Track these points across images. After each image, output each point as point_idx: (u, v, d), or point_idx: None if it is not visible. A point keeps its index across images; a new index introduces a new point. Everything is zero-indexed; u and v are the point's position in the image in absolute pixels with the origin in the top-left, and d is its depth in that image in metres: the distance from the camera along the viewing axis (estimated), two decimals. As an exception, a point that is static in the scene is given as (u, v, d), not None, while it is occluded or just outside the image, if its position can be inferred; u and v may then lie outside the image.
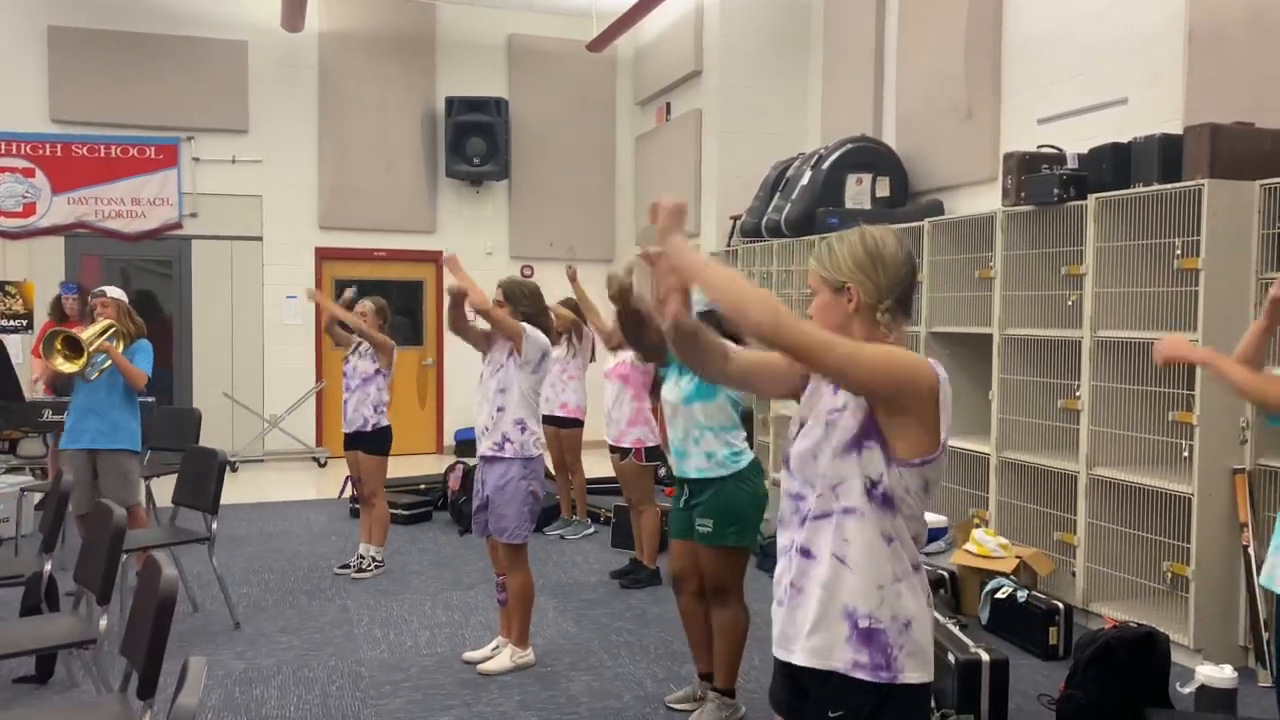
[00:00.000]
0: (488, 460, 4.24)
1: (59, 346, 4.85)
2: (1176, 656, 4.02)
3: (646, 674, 4.32)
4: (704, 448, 3.70)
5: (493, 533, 4.23)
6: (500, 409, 4.22)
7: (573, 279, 6.70)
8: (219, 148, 9.92)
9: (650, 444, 5.65)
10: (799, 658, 1.92)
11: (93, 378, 5.00)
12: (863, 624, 1.86)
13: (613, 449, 5.78)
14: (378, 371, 5.77)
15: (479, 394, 4.33)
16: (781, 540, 2.01)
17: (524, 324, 4.23)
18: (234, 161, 9.97)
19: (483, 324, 4.37)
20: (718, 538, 3.64)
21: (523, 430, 4.22)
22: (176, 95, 9.71)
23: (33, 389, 7.54)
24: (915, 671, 1.87)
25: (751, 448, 3.81)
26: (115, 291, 5.22)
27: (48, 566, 4.04)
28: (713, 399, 3.70)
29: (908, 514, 1.88)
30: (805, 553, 1.92)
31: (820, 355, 1.77)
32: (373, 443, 5.79)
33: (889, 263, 1.93)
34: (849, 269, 1.93)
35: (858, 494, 1.87)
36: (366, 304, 5.83)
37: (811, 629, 1.90)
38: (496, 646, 4.42)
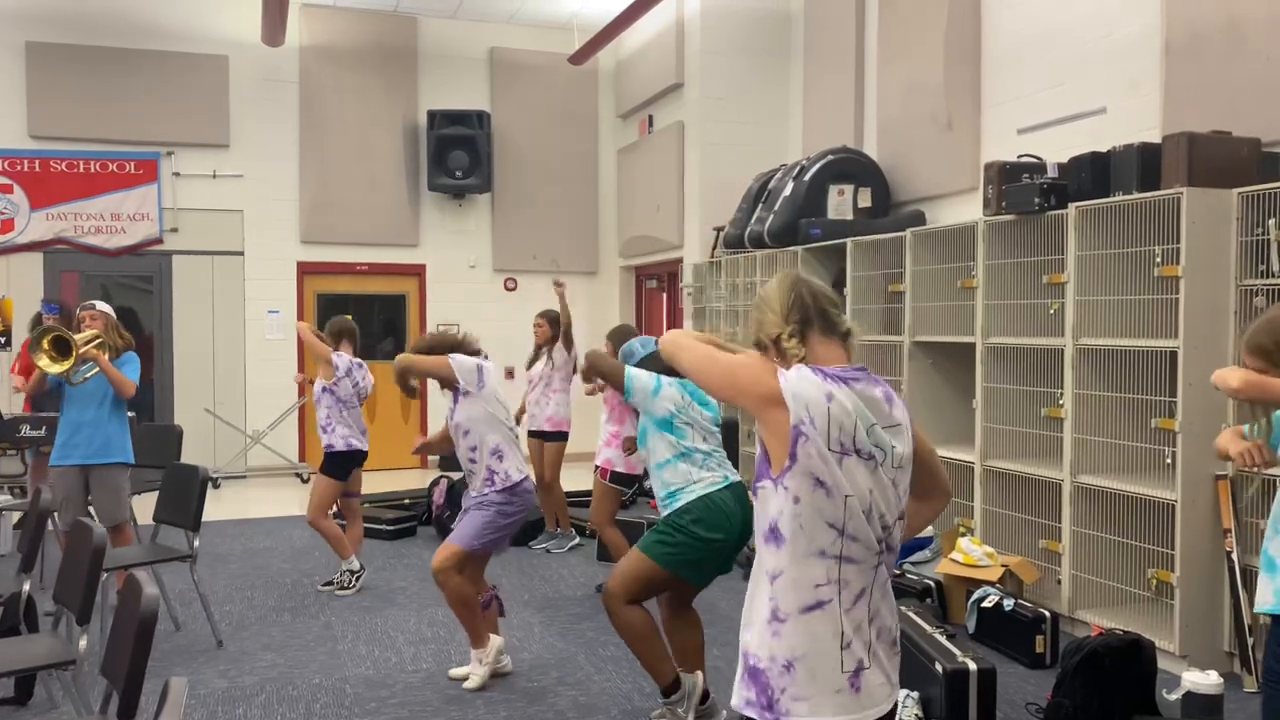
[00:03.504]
0: (479, 496, 4.25)
1: (46, 346, 4.82)
2: (1162, 663, 4.02)
3: (634, 688, 4.30)
4: (656, 483, 3.76)
5: (453, 534, 4.23)
6: (474, 448, 4.24)
7: (560, 293, 6.65)
8: (200, 163, 9.87)
9: (618, 469, 5.58)
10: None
11: (77, 382, 4.96)
12: (750, 662, 1.93)
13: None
14: (324, 390, 5.76)
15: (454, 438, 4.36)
16: None
17: (447, 356, 4.24)
18: (215, 176, 9.93)
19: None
20: (643, 541, 3.66)
21: (501, 458, 4.21)
22: (156, 110, 9.66)
23: (10, 404, 7.46)
24: (802, 717, 1.84)
25: (736, 464, 3.81)
26: (104, 306, 5.22)
27: (26, 586, 3.98)
28: (644, 443, 3.74)
29: (790, 533, 1.87)
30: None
31: (694, 373, 2.04)
32: (324, 464, 5.81)
33: (771, 298, 2.05)
34: (755, 331, 2.07)
35: (760, 535, 1.96)
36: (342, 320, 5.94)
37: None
38: (481, 660, 4.39)
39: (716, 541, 3.58)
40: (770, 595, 1.90)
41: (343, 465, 5.78)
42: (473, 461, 4.25)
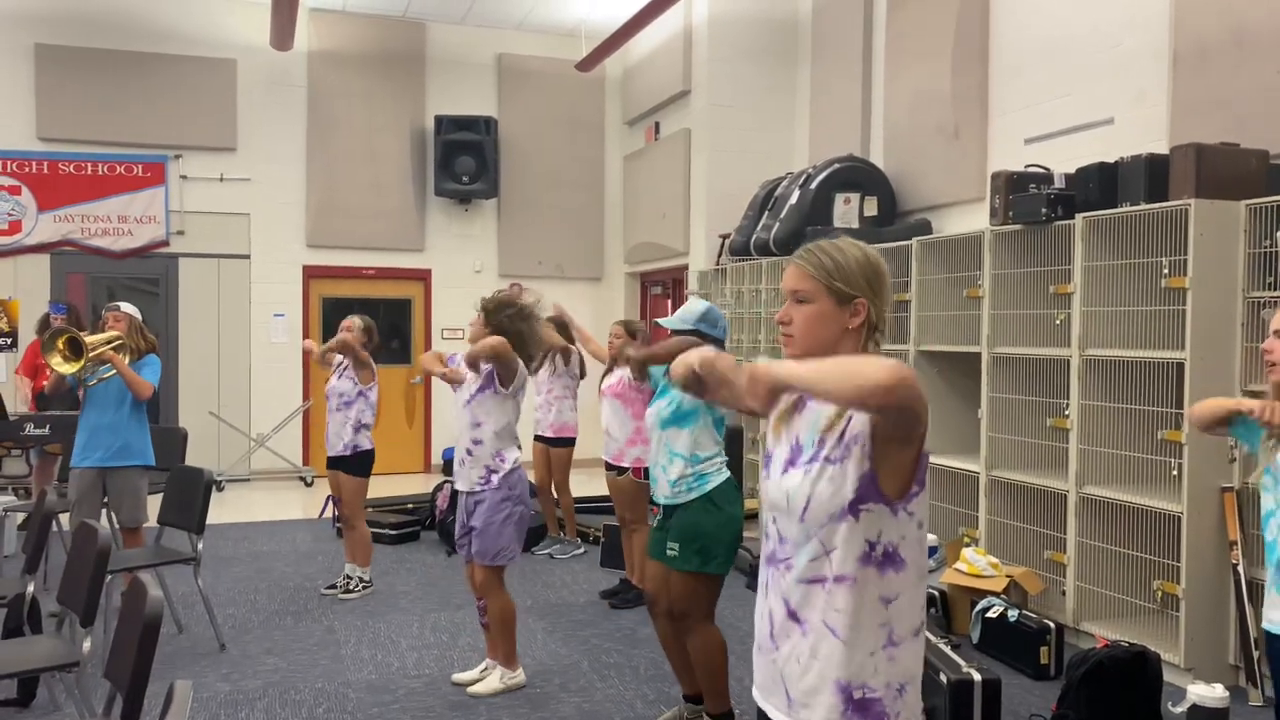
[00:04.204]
0: (472, 493, 4.22)
1: (60, 346, 4.83)
2: (1168, 675, 4.01)
3: (637, 695, 4.29)
4: (671, 474, 3.71)
5: (476, 556, 4.19)
6: (478, 441, 4.19)
7: (560, 317, 6.61)
8: (207, 166, 9.89)
9: (648, 465, 5.58)
10: None
11: (92, 383, 4.97)
12: (857, 695, 1.76)
13: (609, 466, 5.74)
14: (360, 394, 5.73)
15: (455, 422, 4.31)
16: (762, 576, 1.91)
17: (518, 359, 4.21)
18: (222, 180, 9.95)
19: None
20: (682, 561, 3.64)
21: (502, 460, 4.21)
22: (164, 113, 9.68)
23: (17, 405, 7.48)
24: None
25: (739, 473, 3.82)
26: (129, 307, 5.23)
27: (30, 587, 3.99)
28: (686, 425, 3.69)
29: (909, 564, 1.77)
30: (792, 615, 1.81)
31: (901, 394, 1.58)
32: (353, 465, 5.75)
33: (886, 282, 1.88)
34: (861, 283, 1.83)
35: (853, 561, 1.74)
36: (355, 321, 5.82)
37: (804, 700, 1.80)
38: (485, 668, 4.39)
39: (738, 518, 3.74)
40: (884, 621, 1.76)
41: (370, 463, 5.80)
42: (469, 454, 4.19)
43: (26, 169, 9.39)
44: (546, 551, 6.84)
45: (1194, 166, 4.36)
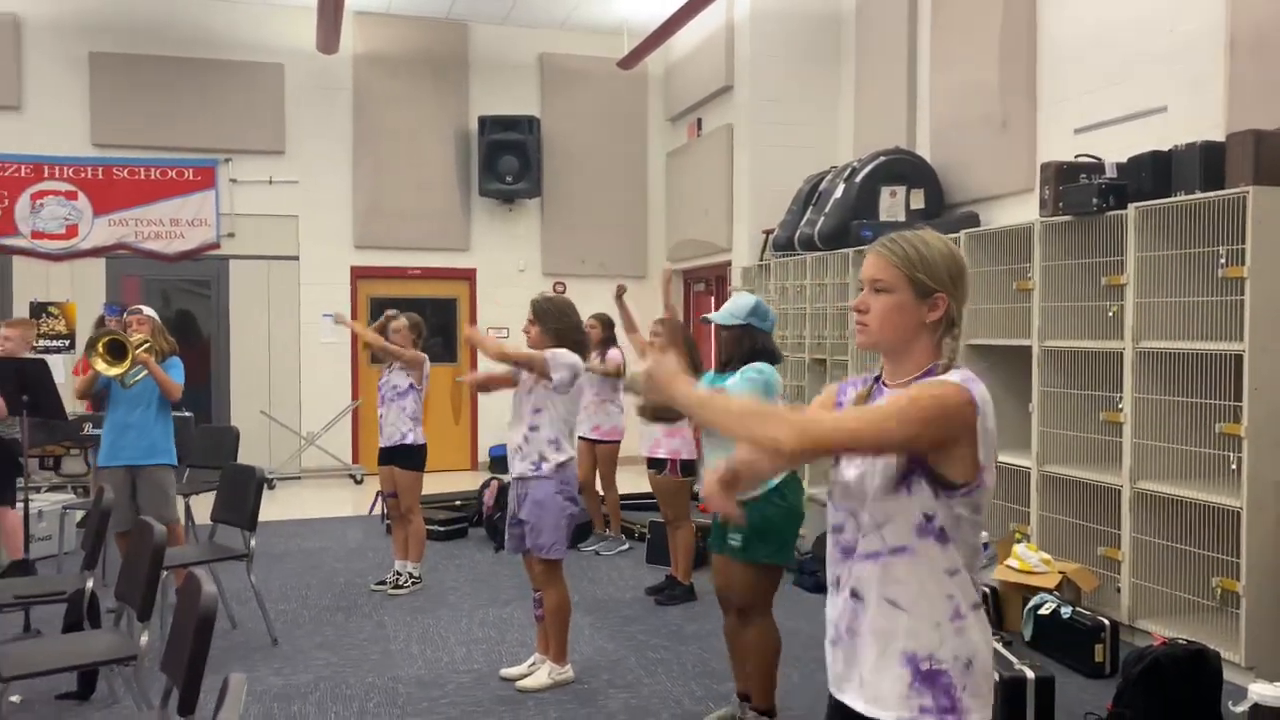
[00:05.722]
0: (523, 479, 4.24)
1: (101, 350, 4.94)
2: (1228, 674, 3.92)
3: (684, 692, 4.28)
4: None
5: (530, 549, 4.23)
6: (534, 428, 4.21)
7: (619, 298, 6.59)
8: (256, 169, 10.05)
9: (685, 457, 5.60)
10: (860, 705, 1.83)
11: (129, 384, 5.08)
12: (924, 666, 1.76)
13: (649, 463, 5.74)
14: (411, 386, 5.80)
15: (511, 411, 4.33)
16: (829, 574, 1.93)
17: (548, 351, 4.20)
18: (271, 182, 10.09)
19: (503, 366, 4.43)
20: (746, 553, 3.62)
21: (557, 448, 4.22)
22: (214, 118, 9.85)
23: (75, 404, 7.65)
24: (978, 713, 1.79)
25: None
26: (149, 311, 5.37)
27: (89, 583, 4.07)
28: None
29: (963, 543, 1.79)
30: (855, 595, 1.84)
31: (873, 441, 1.70)
32: (408, 458, 5.81)
33: (967, 279, 1.85)
34: (944, 277, 1.81)
35: (908, 532, 1.78)
36: (401, 321, 5.89)
37: (870, 676, 1.81)
38: (534, 663, 4.41)
39: (800, 510, 3.74)
40: (950, 592, 1.77)
41: (424, 457, 5.88)
42: (526, 440, 4.21)
43: (82, 175, 9.60)
44: (593, 548, 6.86)
45: (1252, 153, 4.25)
